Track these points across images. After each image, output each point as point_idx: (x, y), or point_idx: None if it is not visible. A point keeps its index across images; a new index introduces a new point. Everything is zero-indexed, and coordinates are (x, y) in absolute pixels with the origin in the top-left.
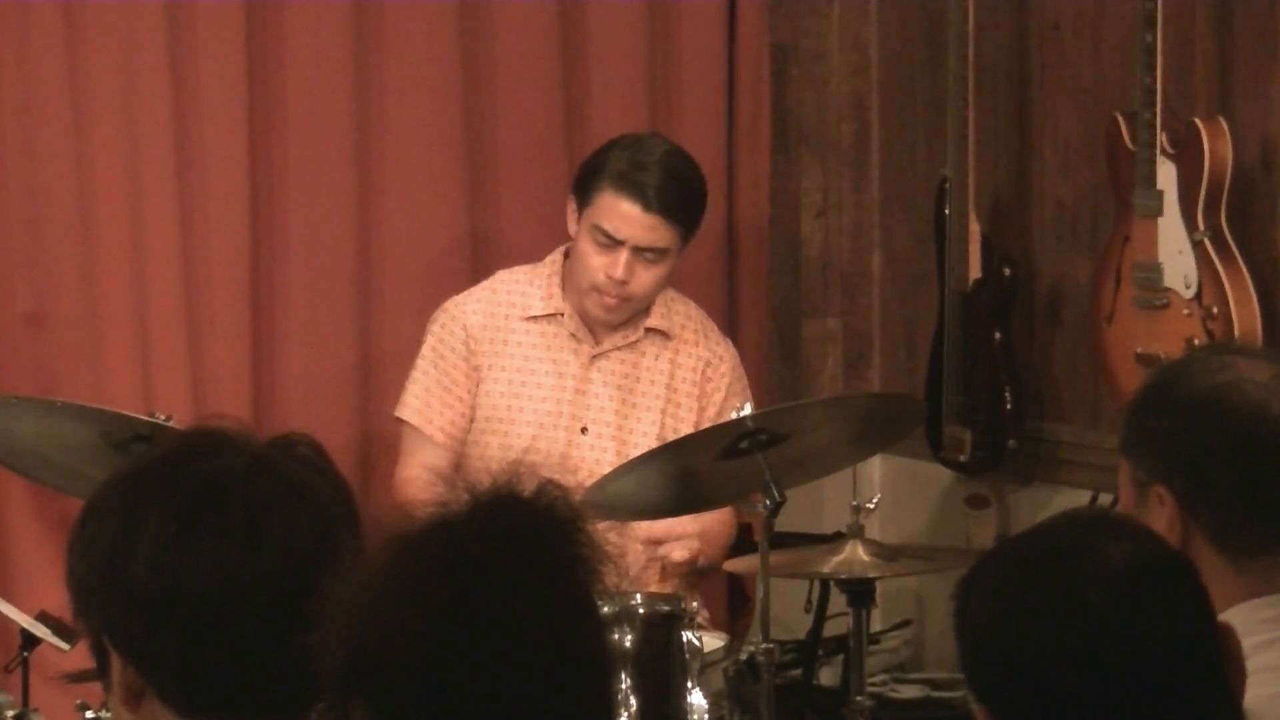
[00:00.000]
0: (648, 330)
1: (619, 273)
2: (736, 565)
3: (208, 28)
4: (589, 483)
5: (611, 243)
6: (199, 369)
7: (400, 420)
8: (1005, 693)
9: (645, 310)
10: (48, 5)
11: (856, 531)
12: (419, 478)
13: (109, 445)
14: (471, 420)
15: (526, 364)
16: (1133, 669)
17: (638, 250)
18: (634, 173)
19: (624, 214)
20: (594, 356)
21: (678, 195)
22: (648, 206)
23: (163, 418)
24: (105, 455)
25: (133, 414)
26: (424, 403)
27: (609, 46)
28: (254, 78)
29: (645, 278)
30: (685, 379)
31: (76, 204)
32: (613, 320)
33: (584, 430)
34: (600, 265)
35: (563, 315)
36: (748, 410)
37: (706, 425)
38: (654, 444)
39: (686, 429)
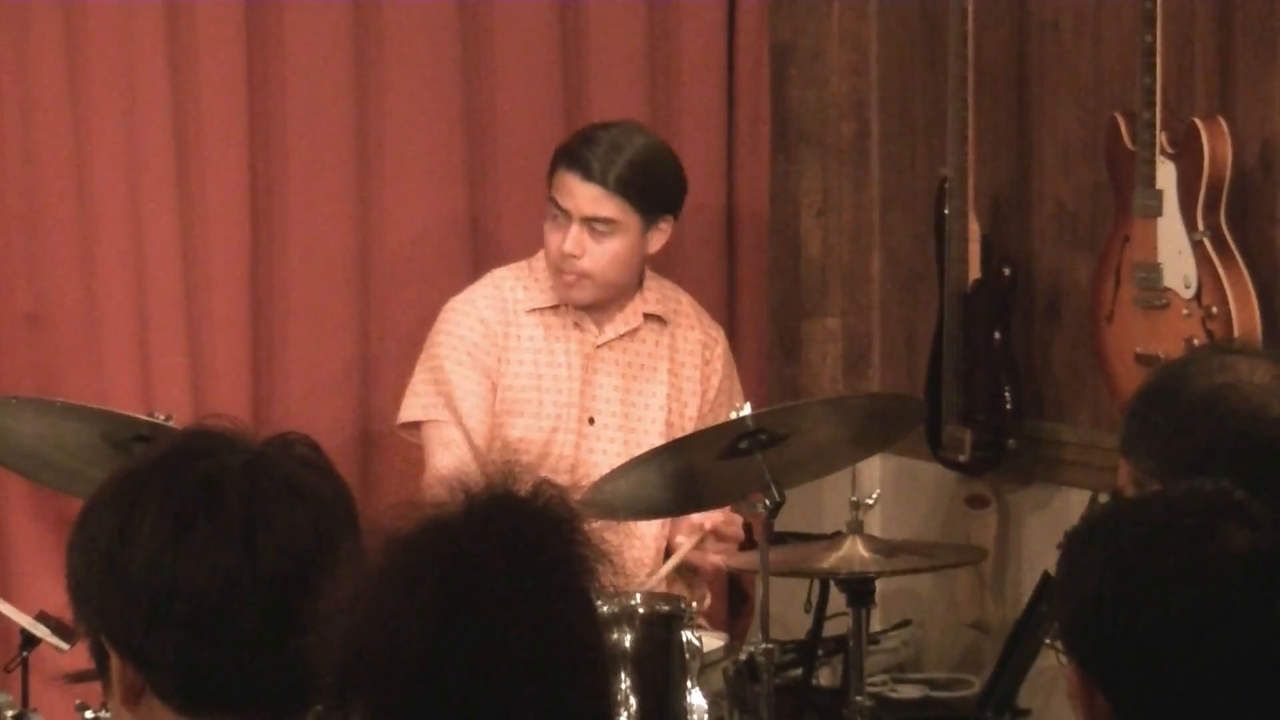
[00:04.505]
0: (646, 317)
1: (568, 246)
2: (736, 563)
3: (207, 27)
4: (599, 474)
5: (562, 215)
6: (199, 369)
7: (437, 423)
8: (1103, 656)
9: (641, 296)
10: (48, 5)
11: (856, 528)
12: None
13: (109, 445)
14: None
15: (538, 356)
16: (1242, 657)
17: (584, 221)
18: (579, 146)
19: (568, 185)
20: (598, 346)
21: (621, 168)
22: (587, 175)
23: (162, 418)
24: (105, 455)
25: (132, 414)
26: (466, 403)
27: (609, 46)
28: (254, 77)
29: (598, 253)
30: (686, 362)
31: (76, 204)
32: (577, 300)
33: (591, 421)
34: (556, 242)
35: (564, 305)
36: (747, 409)
37: (707, 409)
38: (660, 430)
39: (691, 413)
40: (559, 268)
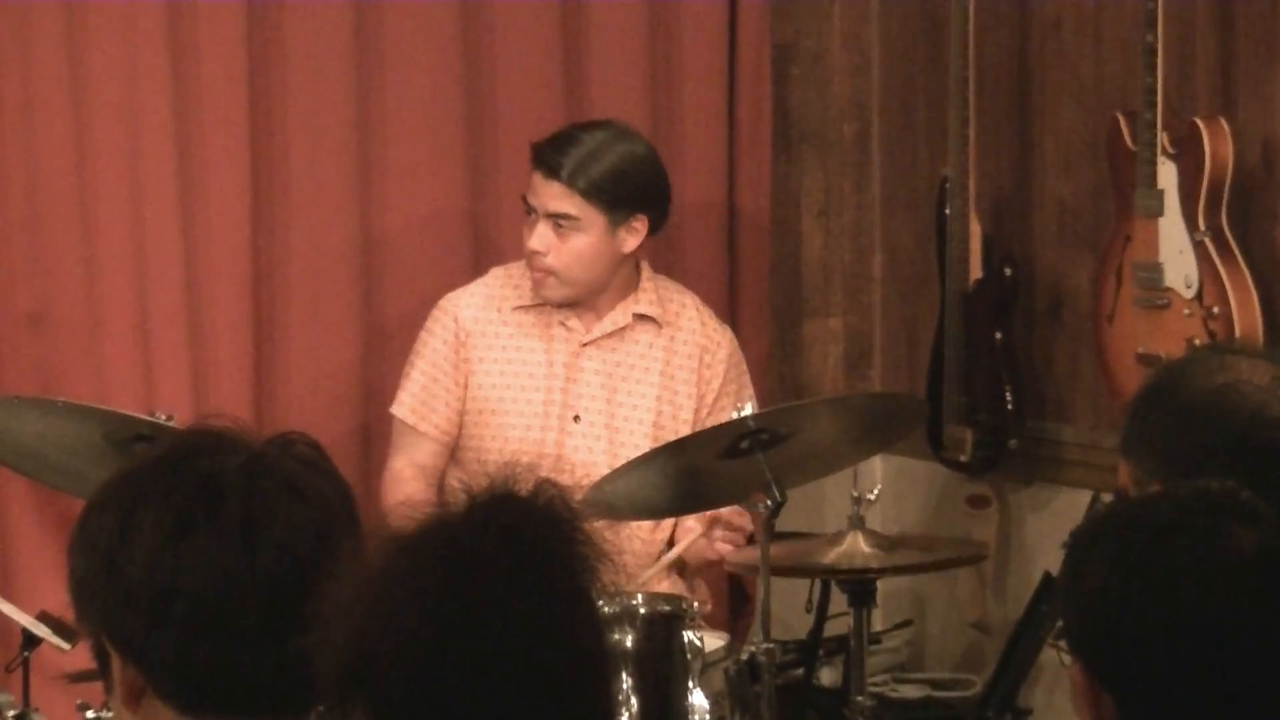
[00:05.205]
0: (637, 317)
1: (534, 242)
2: (738, 559)
3: (209, 27)
4: (582, 472)
5: (531, 212)
6: (200, 368)
7: (394, 416)
8: (1110, 656)
9: (634, 296)
10: (49, 5)
11: (857, 522)
12: (407, 475)
13: (110, 445)
14: (463, 413)
15: (518, 354)
16: (1249, 656)
17: (549, 218)
18: (548, 147)
19: (534, 184)
20: (584, 344)
21: (581, 164)
22: (548, 174)
23: (164, 417)
24: (106, 455)
25: (134, 414)
26: (417, 399)
27: (610, 47)
28: (255, 76)
29: (563, 250)
30: (682, 366)
31: (77, 204)
32: (549, 297)
33: (576, 419)
34: (526, 239)
35: (550, 304)
36: (749, 409)
37: (705, 413)
38: (647, 432)
39: (686, 416)
40: (530, 264)
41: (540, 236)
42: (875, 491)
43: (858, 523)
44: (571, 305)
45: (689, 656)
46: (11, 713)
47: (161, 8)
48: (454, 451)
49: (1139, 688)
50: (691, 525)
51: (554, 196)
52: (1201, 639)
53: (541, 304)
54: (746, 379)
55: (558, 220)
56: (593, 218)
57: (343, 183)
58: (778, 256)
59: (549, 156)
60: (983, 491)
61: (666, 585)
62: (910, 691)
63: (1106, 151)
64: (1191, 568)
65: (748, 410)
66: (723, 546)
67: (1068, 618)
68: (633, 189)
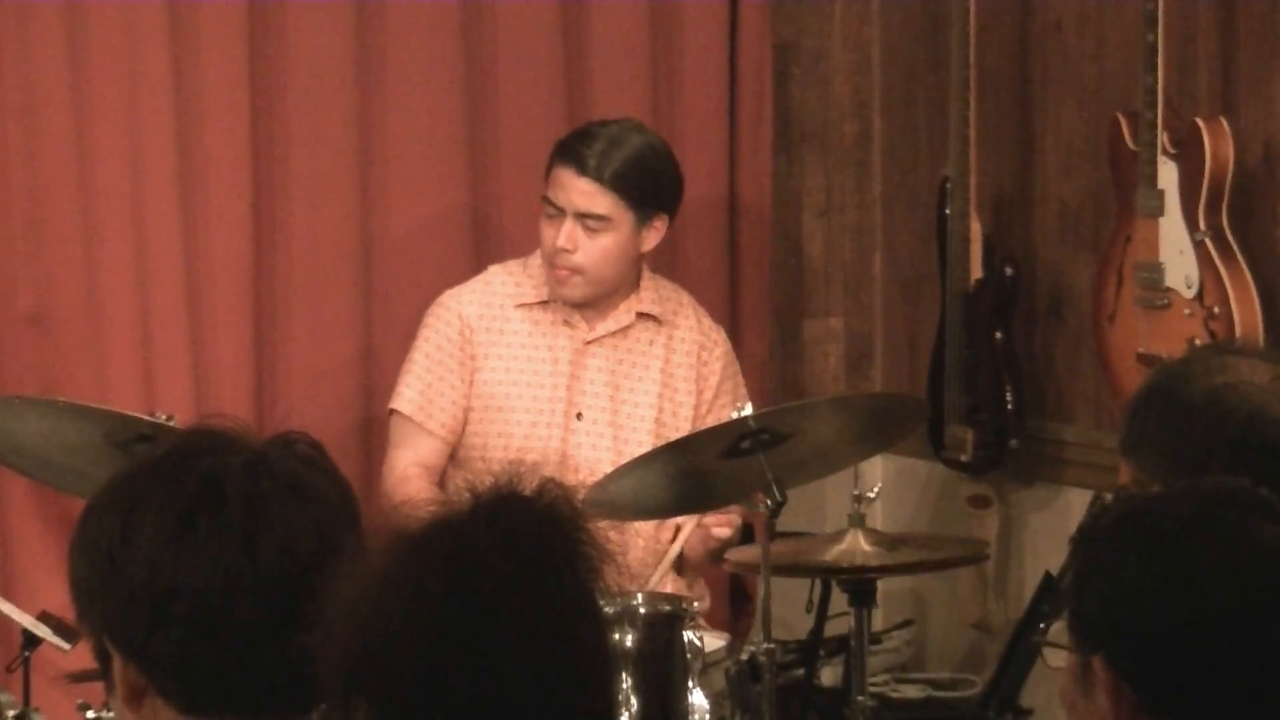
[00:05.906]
0: (639, 315)
1: (561, 241)
2: (739, 558)
3: (210, 27)
4: (586, 470)
5: (556, 211)
6: (201, 368)
7: (395, 412)
8: (1139, 649)
9: (637, 295)
10: (49, 5)
11: (858, 520)
12: (412, 472)
13: (111, 445)
14: (468, 411)
15: (522, 351)
16: (1275, 648)
17: (578, 217)
18: (575, 142)
19: (563, 181)
20: (588, 342)
21: (615, 164)
22: (581, 171)
23: (165, 417)
24: (107, 455)
25: (135, 414)
26: (423, 396)
27: (611, 46)
28: (256, 76)
29: (591, 248)
30: (681, 363)
31: (78, 204)
32: (570, 297)
33: (579, 416)
34: (549, 237)
35: (555, 302)
36: (749, 409)
37: (705, 410)
38: (650, 429)
39: (686, 413)
40: (552, 263)
41: (568, 235)
42: (876, 489)
43: (858, 521)
44: (579, 304)
45: (689, 656)
46: (12, 713)
47: (162, 8)
48: (456, 450)
49: (1167, 679)
50: (682, 521)
51: (584, 194)
52: (1231, 631)
53: (544, 302)
54: (741, 379)
55: (587, 220)
56: (622, 215)
57: (343, 182)
58: (778, 256)
59: (574, 149)
60: (984, 491)
61: (668, 585)
62: (911, 691)
63: (1107, 151)
64: (1221, 560)
65: (748, 410)
66: (719, 530)
67: (1085, 611)
68: (656, 183)
